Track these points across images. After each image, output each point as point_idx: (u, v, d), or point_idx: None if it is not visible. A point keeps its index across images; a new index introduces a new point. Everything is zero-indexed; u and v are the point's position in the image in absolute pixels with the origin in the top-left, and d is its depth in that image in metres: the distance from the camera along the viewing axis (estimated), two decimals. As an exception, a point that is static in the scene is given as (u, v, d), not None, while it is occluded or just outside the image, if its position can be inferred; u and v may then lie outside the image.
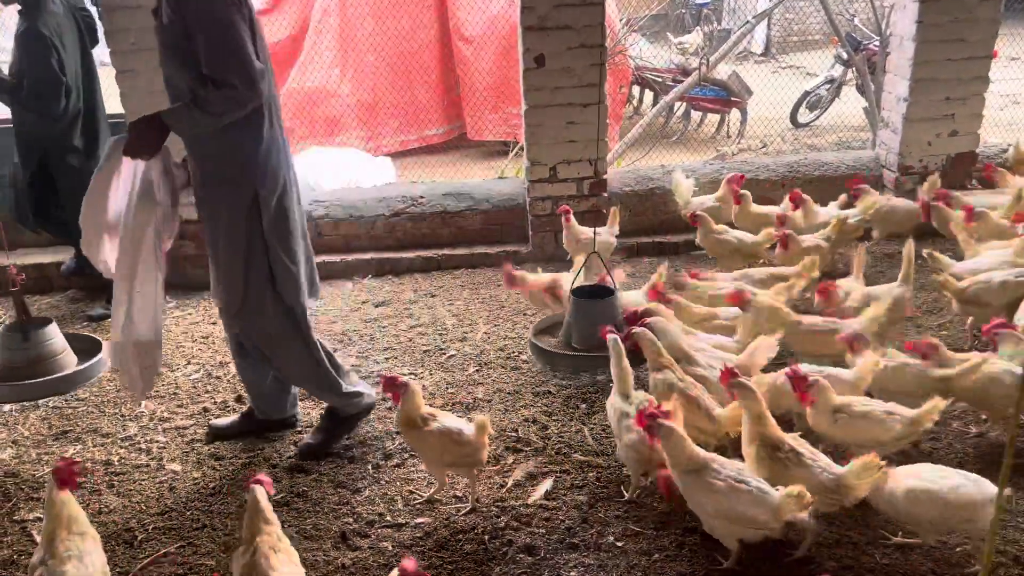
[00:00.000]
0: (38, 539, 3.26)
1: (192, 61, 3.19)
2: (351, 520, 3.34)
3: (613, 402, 3.38)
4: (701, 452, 2.91)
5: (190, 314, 5.32)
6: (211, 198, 3.44)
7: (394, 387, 3.29)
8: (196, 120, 3.22)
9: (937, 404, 3.09)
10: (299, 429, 3.97)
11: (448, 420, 3.30)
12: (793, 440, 2.99)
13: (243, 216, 3.38)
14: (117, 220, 3.41)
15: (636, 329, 3.52)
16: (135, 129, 3.27)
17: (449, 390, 4.27)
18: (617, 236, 5.33)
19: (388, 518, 3.34)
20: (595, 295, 4.09)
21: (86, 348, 4.71)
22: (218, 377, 4.51)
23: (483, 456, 3.28)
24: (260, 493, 2.71)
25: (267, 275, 3.46)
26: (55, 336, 4.57)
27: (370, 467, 3.68)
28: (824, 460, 2.93)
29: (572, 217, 5.27)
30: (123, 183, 3.37)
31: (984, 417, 3.67)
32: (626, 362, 3.40)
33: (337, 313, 5.24)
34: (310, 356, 3.66)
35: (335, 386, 3.73)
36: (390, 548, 3.17)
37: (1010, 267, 4.29)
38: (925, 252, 4.61)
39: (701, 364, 3.59)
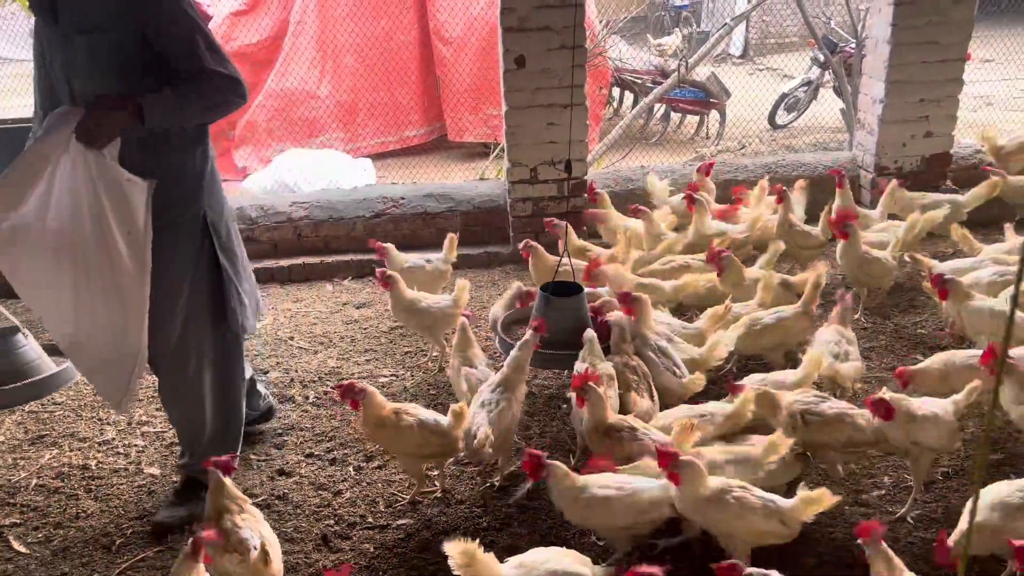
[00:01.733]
0: (15, 544, 3.24)
1: (152, 69, 2.83)
2: (332, 522, 3.32)
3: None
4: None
5: (168, 317, 5.28)
6: (154, 225, 2.90)
7: (352, 395, 3.22)
8: (184, 108, 2.85)
9: (748, 396, 3.16)
10: (278, 430, 3.94)
11: (422, 412, 3.31)
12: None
13: (193, 242, 3.07)
14: (42, 215, 2.88)
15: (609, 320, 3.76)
16: (98, 113, 2.75)
17: (431, 391, 4.26)
18: (454, 264, 4.98)
19: (370, 520, 3.33)
20: (563, 293, 4.07)
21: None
22: (197, 380, 4.47)
23: (460, 446, 3.28)
24: (217, 475, 2.80)
25: (209, 304, 3.17)
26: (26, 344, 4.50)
27: (351, 469, 3.66)
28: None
29: (388, 249, 4.79)
30: (63, 172, 2.83)
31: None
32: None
33: (317, 315, 5.22)
34: (234, 401, 3.42)
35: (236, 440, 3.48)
36: (372, 550, 3.16)
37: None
38: (907, 255, 4.66)
39: (652, 351, 3.73)
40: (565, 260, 4.26)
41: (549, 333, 3.66)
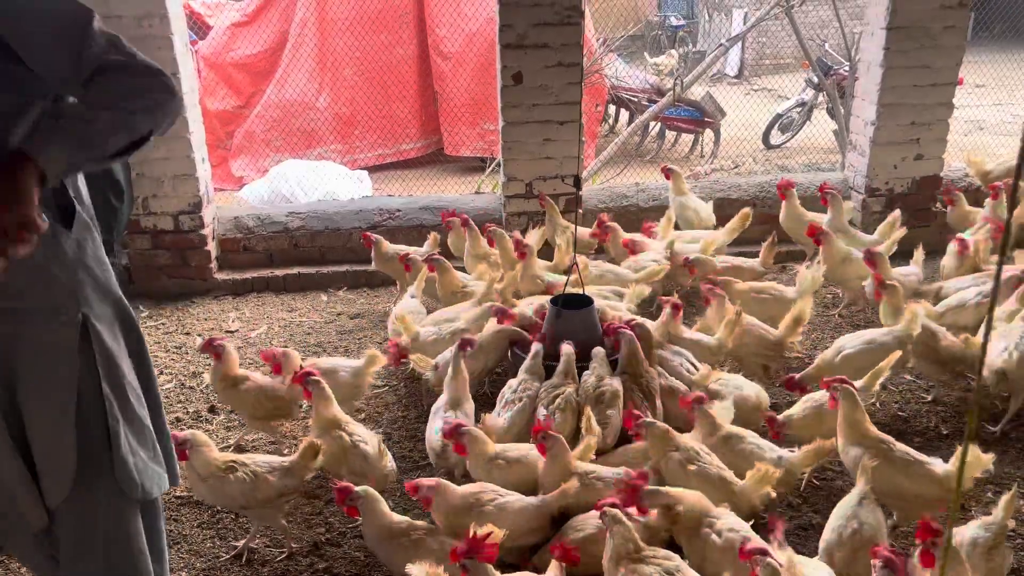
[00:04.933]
0: (5, 548, 3.23)
1: None
2: (324, 530, 3.35)
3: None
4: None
5: (163, 324, 5.30)
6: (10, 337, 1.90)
7: (213, 349, 3.74)
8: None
9: (590, 444, 3.20)
10: (270, 439, 3.96)
11: (261, 379, 3.81)
12: None
13: (69, 360, 1.96)
14: None
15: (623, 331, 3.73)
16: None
17: (421, 402, 4.28)
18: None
19: (360, 528, 3.34)
20: (573, 305, 4.10)
21: None
22: (191, 387, 4.49)
23: (294, 411, 3.81)
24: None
25: (104, 443, 2.03)
26: None
27: (343, 478, 3.69)
28: None
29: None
30: None
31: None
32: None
33: (312, 325, 5.25)
34: None
35: None
36: (362, 558, 3.18)
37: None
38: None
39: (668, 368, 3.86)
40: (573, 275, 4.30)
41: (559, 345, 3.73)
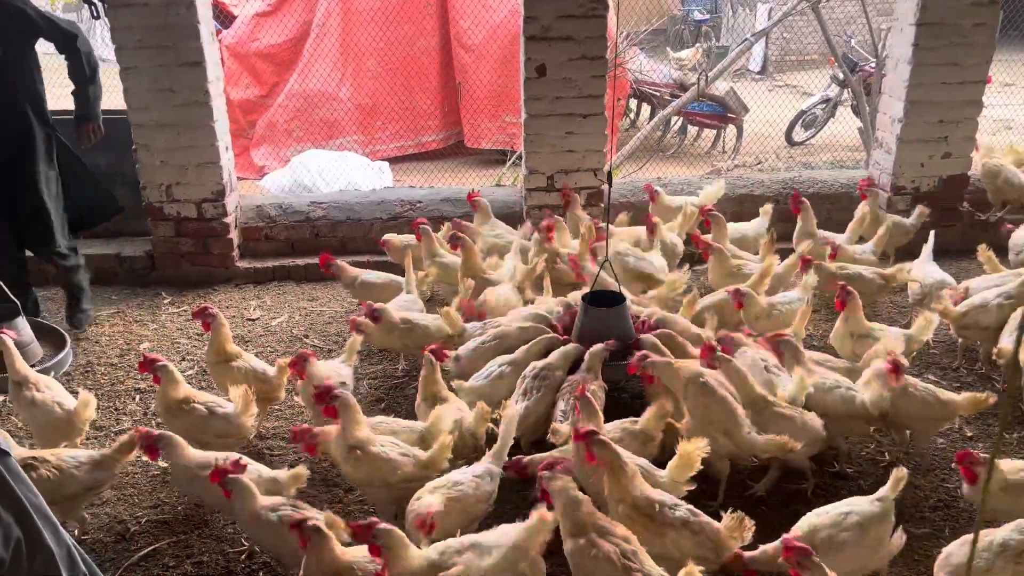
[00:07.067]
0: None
1: None
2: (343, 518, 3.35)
3: None
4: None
5: (185, 310, 5.33)
6: None
7: (204, 316, 3.84)
8: None
9: (445, 441, 3.12)
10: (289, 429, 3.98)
11: (254, 361, 3.90)
12: None
13: None
14: None
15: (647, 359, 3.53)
16: None
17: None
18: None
19: (367, 514, 3.35)
20: (605, 302, 4.08)
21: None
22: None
23: (280, 394, 3.85)
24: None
25: None
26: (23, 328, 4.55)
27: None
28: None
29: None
30: None
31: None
32: None
33: (332, 315, 5.27)
34: None
35: None
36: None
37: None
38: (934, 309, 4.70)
39: None
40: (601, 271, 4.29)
41: (589, 343, 3.72)
